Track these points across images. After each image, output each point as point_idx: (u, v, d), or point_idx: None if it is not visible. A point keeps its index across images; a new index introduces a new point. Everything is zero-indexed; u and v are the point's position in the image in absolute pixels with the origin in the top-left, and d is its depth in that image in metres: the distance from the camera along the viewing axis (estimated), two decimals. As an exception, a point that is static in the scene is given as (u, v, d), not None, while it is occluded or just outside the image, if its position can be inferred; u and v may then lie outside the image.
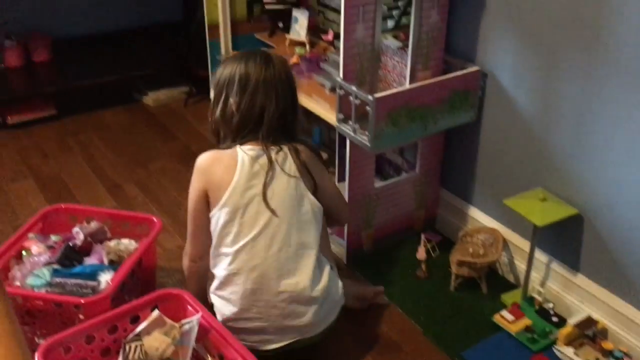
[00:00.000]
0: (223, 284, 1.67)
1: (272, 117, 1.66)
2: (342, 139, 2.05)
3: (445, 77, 1.95)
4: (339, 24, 2.45)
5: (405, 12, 2.07)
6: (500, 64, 1.94)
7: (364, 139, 1.88)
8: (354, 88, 1.85)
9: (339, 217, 1.90)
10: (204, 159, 1.71)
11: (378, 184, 2.17)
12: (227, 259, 1.65)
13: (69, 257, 1.75)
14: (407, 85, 1.97)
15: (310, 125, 2.68)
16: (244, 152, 1.65)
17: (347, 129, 1.94)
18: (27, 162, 2.74)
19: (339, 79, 1.91)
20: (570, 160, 1.81)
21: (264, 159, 1.65)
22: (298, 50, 2.46)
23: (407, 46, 2.00)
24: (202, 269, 1.76)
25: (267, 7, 2.63)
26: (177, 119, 3.13)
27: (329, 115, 2.06)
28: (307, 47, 2.49)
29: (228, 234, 1.64)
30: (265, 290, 1.64)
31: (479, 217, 2.16)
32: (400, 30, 2.12)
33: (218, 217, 1.65)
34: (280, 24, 2.63)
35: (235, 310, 1.66)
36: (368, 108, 1.83)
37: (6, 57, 3.07)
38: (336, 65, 2.26)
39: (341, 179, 2.31)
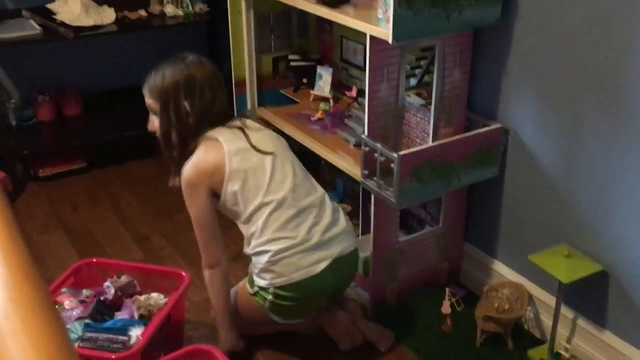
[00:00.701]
0: (264, 231, 1.82)
1: (222, 104, 1.90)
2: (366, 192, 2.09)
3: (468, 135, 2.00)
4: (362, 81, 2.53)
5: (428, 71, 2.13)
6: (522, 121, 1.98)
7: (388, 194, 1.92)
8: (379, 145, 1.90)
9: None
10: (191, 172, 1.84)
11: (402, 237, 2.19)
12: (262, 210, 1.82)
13: (101, 312, 1.79)
14: (430, 142, 2.01)
15: (333, 178, 2.73)
16: (215, 133, 1.85)
17: (372, 184, 1.98)
18: (57, 213, 2.80)
19: (364, 136, 1.96)
20: (594, 216, 1.83)
21: (234, 129, 1.87)
22: (322, 105, 2.52)
23: (429, 104, 2.05)
24: (222, 275, 1.91)
25: (292, 63, 2.71)
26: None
27: (354, 170, 2.11)
28: (331, 102, 2.55)
29: (249, 193, 1.82)
30: (300, 208, 1.84)
31: (503, 271, 2.17)
32: (423, 88, 2.17)
33: (232, 188, 1.81)
34: (305, 80, 2.70)
35: (287, 240, 1.81)
36: (393, 165, 1.87)
37: (39, 111, 3.17)
38: (360, 121, 2.32)
39: (365, 231, 2.34)
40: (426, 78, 2.16)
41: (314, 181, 1.97)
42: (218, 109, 1.88)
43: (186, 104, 1.85)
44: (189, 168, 1.84)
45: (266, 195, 1.82)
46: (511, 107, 2.01)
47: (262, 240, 1.83)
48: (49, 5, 2.97)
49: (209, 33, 3.41)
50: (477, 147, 1.99)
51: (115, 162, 3.18)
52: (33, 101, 3.17)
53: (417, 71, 2.18)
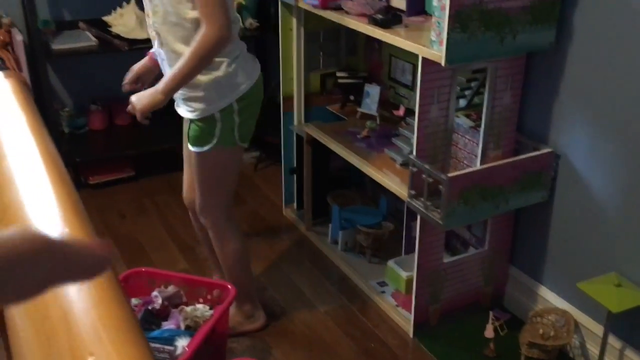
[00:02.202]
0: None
1: None
2: (411, 212, 2.09)
3: (517, 158, 1.98)
4: (409, 99, 2.54)
5: (478, 92, 2.13)
6: (573, 146, 1.96)
7: (435, 216, 1.91)
8: (427, 167, 1.90)
9: None
10: None
11: (447, 259, 2.18)
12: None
13: (148, 321, 1.83)
14: (479, 165, 2.01)
15: (377, 195, 2.74)
16: None
17: (418, 205, 1.98)
18: (106, 221, 2.87)
19: (412, 157, 1.96)
20: (646, 246, 1.80)
21: None
22: (369, 124, 2.53)
23: (479, 125, 2.05)
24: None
25: (340, 80, 2.73)
26: (247, 183, 3.23)
27: (400, 189, 2.11)
28: (378, 120, 2.56)
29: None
30: None
31: (549, 297, 2.14)
32: (472, 109, 2.17)
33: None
34: (352, 98, 2.71)
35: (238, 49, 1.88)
36: (441, 186, 1.87)
37: (91, 120, 3.26)
38: (407, 140, 2.33)
39: (409, 251, 2.34)
40: (476, 99, 2.16)
41: None
42: None
43: None
44: None
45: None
46: (562, 132, 1.99)
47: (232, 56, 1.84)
48: (105, 18, 3.06)
49: (259, 48, 3.46)
50: (527, 171, 1.98)
51: (163, 172, 3.24)
52: (86, 110, 3.26)
53: (467, 92, 2.18)
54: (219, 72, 1.84)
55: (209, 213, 2.06)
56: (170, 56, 1.85)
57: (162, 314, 1.91)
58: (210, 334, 1.85)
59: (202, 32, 1.75)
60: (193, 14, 1.77)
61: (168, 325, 1.85)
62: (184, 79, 1.80)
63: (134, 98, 1.87)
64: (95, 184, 3.10)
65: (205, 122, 1.89)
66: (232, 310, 2.12)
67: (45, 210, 0.63)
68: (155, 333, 1.80)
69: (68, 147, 3.12)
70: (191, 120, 1.92)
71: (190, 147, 1.95)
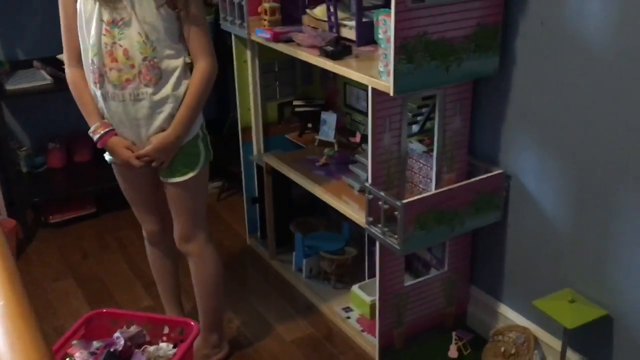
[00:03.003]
0: None
1: None
2: (371, 237, 2.12)
3: (470, 181, 2.03)
4: (365, 126, 2.58)
5: (429, 118, 2.18)
6: (523, 166, 2.02)
7: (393, 241, 1.95)
8: (382, 194, 1.93)
9: None
10: None
11: (408, 281, 2.21)
12: None
13: (111, 363, 1.81)
14: (433, 190, 2.05)
15: (339, 221, 2.77)
16: None
17: (376, 231, 2.01)
18: (68, 260, 2.84)
19: (367, 184, 1.99)
20: (597, 262, 1.85)
21: None
22: (327, 150, 2.57)
23: (432, 150, 2.10)
24: None
25: (297, 109, 2.77)
26: (211, 213, 3.22)
27: (358, 216, 2.14)
28: (336, 147, 2.60)
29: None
30: None
31: (509, 314, 2.18)
32: (425, 134, 2.21)
33: None
34: (310, 125, 2.75)
35: None
36: (396, 212, 1.90)
37: (49, 158, 3.24)
38: (364, 167, 2.36)
39: (371, 276, 2.37)
40: (428, 125, 2.21)
41: None
42: None
43: None
44: None
45: None
46: (512, 153, 2.05)
47: None
48: (59, 56, 3.05)
49: (218, 79, 3.48)
50: (480, 193, 2.03)
51: (124, 207, 3.21)
52: (44, 148, 3.23)
53: (419, 118, 2.23)
54: None
55: (196, 238, 2.07)
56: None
57: (125, 355, 1.89)
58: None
59: (200, 68, 1.85)
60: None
61: (131, 366, 1.84)
62: (192, 119, 1.89)
63: (158, 156, 1.89)
64: (56, 223, 3.07)
65: (190, 145, 1.94)
66: (198, 343, 2.12)
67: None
68: (119, 375, 1.78)
69: (27, 186, 3.09)
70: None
71: (179, 178, 1.96)
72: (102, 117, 1.91)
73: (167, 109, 1.85)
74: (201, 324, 2.15)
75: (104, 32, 1.79)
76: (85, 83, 1.89)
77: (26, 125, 3.27)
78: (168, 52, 1.83)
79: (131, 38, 1.78)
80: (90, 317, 2.01)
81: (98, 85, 1.83)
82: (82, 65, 1.88)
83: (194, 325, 1.96)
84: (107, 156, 2.04)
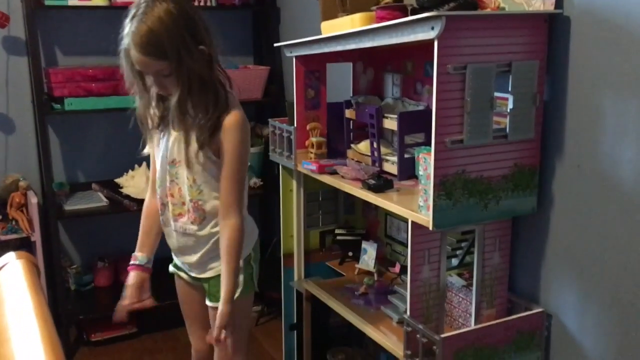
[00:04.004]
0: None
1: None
2: (410, 373, 2.09)
3: (510, 318, 2.01)
4: (405, 256, 2.61)
5: (469, 252, 2.21)
6: (563, 305, 2.00)
7: (431, 377, 1.92)
8: (421, 327, 1.93)
9: None
10: (242, 115, 1.90)
11: (446, 420, 2.14)
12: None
13: None
14: (472, 325, 2.04)
15: (377, 351, 2.73)
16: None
17: (414, 365, 1.98)
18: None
19: (406, 316, 2.00)
20: (644, 408, 1.78)
21: None
22: (366, 280, 2.59)
23: (471, 284, 2.11)
24: None
25: (339, 237, 2.83)
26: (249, 338, 3.23)
27: (396, 348, 2.12)
28: (375, 277, 2.62)
29: None
30: None
31: None
32: (464, 268, 2.23)
33: None
34: (350, 254, 2.80)
35: None
36: (435, 347, 1.89)
37: (97, 277, 3.34)
38: (403, 297, 2.37)
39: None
40: (467, 258, 2.23)
41: None
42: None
43: (204, 46, 1.79)
44: (238, 112, 1.88)
45: None
46: (552, 292, 2.04)
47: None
48: (117, 180, 3.24)
49: (262, 206, 3.61)
50: (520, 331, 2.00)
51: (165, 328, 3.25)
52: (93, 267, 3.35)
53: (459, 252, 2.26)
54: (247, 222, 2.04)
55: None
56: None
57: None
58: None
59: (230, 225, 1.91)
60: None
61: None
62: (234, 278, 1.94)
63: (223, 330, 1.92)
64: (97, 341, 3.11)
65: None
66: None
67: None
68: None
69: (73, 304, 3.17)
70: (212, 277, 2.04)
71: (214, 303, 2.03)
72: (144, 248, 2.07)
73: (210, 243, 1.99)
74: None
75: (167, 168, 1.95)
76: (151, 211, 2.05)
77: (78, 244, 3.42)
78: (215, 194, 1.95)
79: (183, 179, 1.95)
80: None
81: (161, 212, 2.02)
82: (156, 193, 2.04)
83: None
84: (171, 267, 2.14)
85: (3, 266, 1.02)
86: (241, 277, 2.03)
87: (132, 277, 2.07)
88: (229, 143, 1.87)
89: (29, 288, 0.95)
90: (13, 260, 1.05)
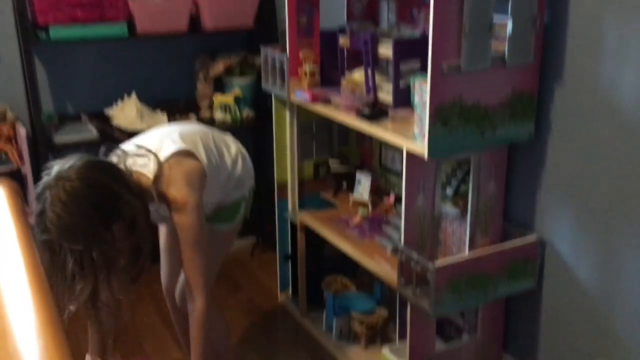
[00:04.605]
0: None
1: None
2: (402, 298, 2.11)
3: (504, 247, 2.02)
4: (400, 187, 2.60)
5: (464, 181, 2.19)
6: (558, 233, 2.00)
7: (425, 304, 1.93)
8: (415, 255, 1.94)
9: None
10: (188, 190, 1.73)
11: (439, 345, 2.18)
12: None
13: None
14: (466, 254, 2.04)
15: (371, 281, 2.76)
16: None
17: (408, 293, 2.00)
18: (101, 310, 2.88)
19: (400, 245, 2.00)
20: (634, 332, 1.80)
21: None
22: (361, 210, 2.58)
23: (466, 213, 2.10)
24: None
25: (333, 169, 2.81)
26: (243, 269, 3.25)
27: (390, 277, 2.13)
28: (370, 207, 2.61)
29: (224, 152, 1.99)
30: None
31: (543, 385, 2.13)
32: (459, 197, 2.22)
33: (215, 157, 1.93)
34: (344, 185, 2.78)
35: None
36: (429, 275, 1.90)
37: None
38: (397, 227, 2.37)
39: (402, 337, 2.34)
40: (462, 188, 2.22)
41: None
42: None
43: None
44: (180, 186, 1.72)
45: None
46: (547, 220, 2.04)
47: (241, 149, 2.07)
48: (107, 110, 3.17)
49: (256, 137, 3.56)
50: (513, 259, 2.01)
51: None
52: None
53: (453, 181, 2.24)
54: (240, 170, 2.04)
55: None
56: None
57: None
58: None
59: (197, 309, 1.80)
60: None
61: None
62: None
63: None
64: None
65: (234, 203, 2.06)
66: None
67: (24, 322, 0.67)
68: None
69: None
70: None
71: (218, 226, 2.02)
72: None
73: None
74: None
75: None
76: None
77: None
78: None
79: None
80: None
81: None
82: None
83: None
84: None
85: (-15, 193, 0.99)
86: (243, 206, 2.08)
87: None
88: (178, 223, 1.74)
89: (11, 213, 0.93)
90: (-5, 187, 1.02)
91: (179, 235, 1.76)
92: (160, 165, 1.74)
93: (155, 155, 1.75)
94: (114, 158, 1.72)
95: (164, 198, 1.73)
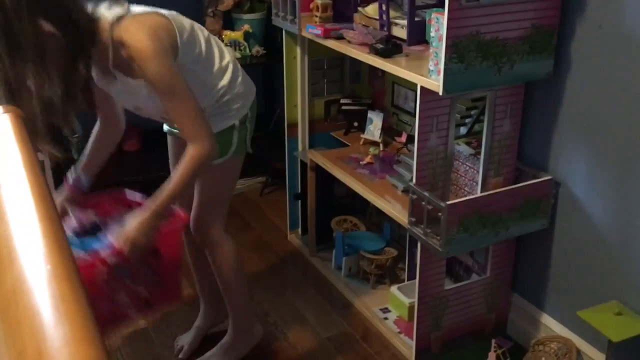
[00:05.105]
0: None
1: None
2: (413, 238, 2.10)
3: (517, 186, 1.99)
4: (412, 126, 2.56)
5: (478, 120, 2.15)
6: (573, 173, 1.97)
7: (435, 243, 1.92)
8: (426, 194, 1.91)
9: None
10: (145, 37, 1.57)
11: (448, 285, 2.18)
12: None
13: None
14: (479, 193, 2.02)
15: (381, 221, 2.75)
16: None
17: (418, 232, 1.98)
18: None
19: (411, 184, 1.98)
20: (646, 274, 1.79)
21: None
22: (372, 150, 2.56)
23: (479, 153, 2.06)
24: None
25: (344, 107, 2.76)
26: (253, 208, 3.26)
27: (401, 215, 2.12)
28: (381, 147, 2.58)
29: (214, 55, 1.82)
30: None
31: (551, 324, 2.13)
32: (472, 136, 2.18)
33: (201, 47, 1.77)
34: (356, 124, 2.74)
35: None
36: (440, 214, 1.88)
37: (100, 146, 3.31)
38: (409, 167, 2.34)
39: (411, 277, 2.35)
40: (476, 127, 2.18)
41: None
42: None
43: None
44: (138, 34, 1.56)
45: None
46: (562, 159, 2.00)
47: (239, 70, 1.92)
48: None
49: (265, 74, 3.51)
50: (526, 199, 1.98)
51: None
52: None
53: (468, 120, 2.20)
54: (239, 88, 1.91)
55: (212, 227, 2.02)
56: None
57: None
58: (152, 258, 1.73)
59: (191, 154, 1.65)
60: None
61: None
62: (177, 197, 1.72)
63: (121, 238, 1.63)
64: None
65: (223, 133, 1.88)
66: (230, 336, 2.15)
67: (31, 246, 0.65)
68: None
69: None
70: None
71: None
72: None
73: None
74: (229, 311, 2.18)
75: None
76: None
77: (79, 116, 3.35)
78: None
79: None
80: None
81: None
82: None
83: (183, 215, 1.84)
84: (165, 126, 2.09)
85: (-10, 120, 0.96)
86: (235, 137, 1.92)
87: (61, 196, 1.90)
88: (146, 78, 1.61)
89: (17, 140, 0.90)
90: (0, 114, 0.99)
91: (155, 92, 1.63)
92: (126, 13, 1.60)
93: (129, 6, 1.64)
94: None
95: (119, 54, 1.59)
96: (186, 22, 1.78)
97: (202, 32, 1.83)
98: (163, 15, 1.68)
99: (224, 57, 1.89)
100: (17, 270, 0.62)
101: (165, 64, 1.60)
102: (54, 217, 0.70)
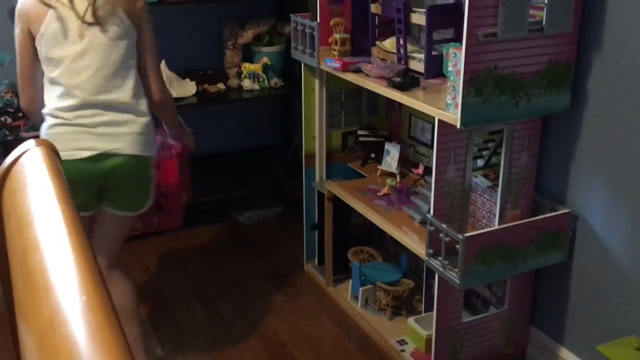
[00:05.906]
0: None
1: None
2: (430, 270, 2.10)
3: (535, 219, 1.99)
4: (429, 158, 2.58)
5: (496, 153, 2.16)
6: (591, 207, 1.97)
7: (453, 275, 1.92)
8: (444, 226, 1.92)
9: None
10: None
11: (466, 318, 2.17)
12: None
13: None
14: (496, 225, 2.02)
15: (397, 252, 2.75)
16: None
17: (436, 264, 1.99)
18: (130, 275, 2.92)
19: (429, 216, 1.99)
20: (667, 309, 1.78)
21: None
22: (389, 181, 2.57)
23: (496, 185, 2.07)
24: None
25: (361, 139, 2.79)
26: (270, 238, 3.27)
27: (418, 247, 2.12)
28: (398, 178, 2.60)
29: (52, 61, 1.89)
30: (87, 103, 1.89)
31: (570, 358, 2.11)
32: (490, 169, 2.19)
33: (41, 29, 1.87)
34: (373, 155, 2.76)
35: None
36: (458, 246, 1.89)
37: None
38: (426, 198, 2.35)
39: (428, 309, 2.34)
40: (493, 159, 2.19)
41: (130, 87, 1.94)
42: None
43: None
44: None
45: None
46: (580, 193, 2.00)
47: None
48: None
49: (283, 106, 3.56)
50: (544, 232, 1.99)
51: (186, 226, 3.30)
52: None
53: (485, 152, 2.21)
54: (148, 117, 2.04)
55: (118, 264, 2.17)
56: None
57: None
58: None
59: (169, 97, 2.17)
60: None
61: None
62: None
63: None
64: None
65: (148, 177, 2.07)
66: None
67: (66, 277, 0.67)
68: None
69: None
70: (137, 173, 2.00)
71: (130, 212, 2.06)
72: None
73: None
74: None
75: None
76: None
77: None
78: None
79: None
80: None
81: None
82: None
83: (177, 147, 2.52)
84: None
85: (24, 152, 1.00)
86: (151, 184, 2.09)
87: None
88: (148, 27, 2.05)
89: (50, 173, 0.93)
90: (33, 147, 1.02)
91: (143, 44, 1.97)
92: None
93: None
94: None
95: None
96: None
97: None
98: None
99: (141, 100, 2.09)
100: (53, 301, 0.64)
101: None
102: (86, 248, 0.73)
